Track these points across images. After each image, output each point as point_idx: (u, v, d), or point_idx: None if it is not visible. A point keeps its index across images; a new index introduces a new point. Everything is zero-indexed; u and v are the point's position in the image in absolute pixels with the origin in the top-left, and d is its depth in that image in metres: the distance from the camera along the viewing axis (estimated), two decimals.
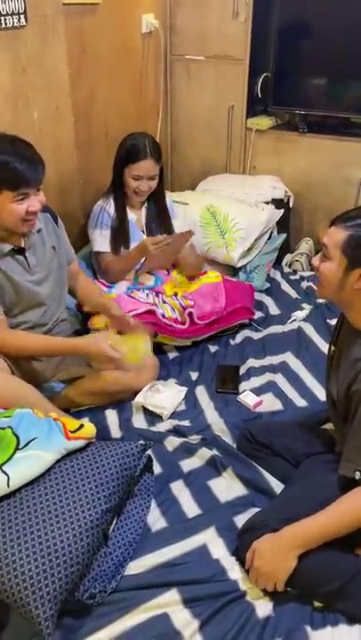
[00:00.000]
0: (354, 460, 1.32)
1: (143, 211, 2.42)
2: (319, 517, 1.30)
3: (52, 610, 1.17)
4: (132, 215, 2.37)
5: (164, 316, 2.21)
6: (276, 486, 1.62)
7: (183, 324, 2.25)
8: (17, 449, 1.37)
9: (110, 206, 2.33)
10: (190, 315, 2.26)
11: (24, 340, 1.78)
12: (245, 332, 2.41)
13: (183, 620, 1.28)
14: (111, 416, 1.89)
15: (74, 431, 1.45)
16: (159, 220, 2.44)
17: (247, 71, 2.89)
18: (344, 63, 2.82)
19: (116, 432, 1.84)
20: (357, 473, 1.30)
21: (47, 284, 1.85)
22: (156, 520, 1.53)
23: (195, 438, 1.80)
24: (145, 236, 2.38)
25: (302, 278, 2.86)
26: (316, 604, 1.33)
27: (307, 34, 2.85)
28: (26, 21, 1.85)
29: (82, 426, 1.48)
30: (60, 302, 1.95)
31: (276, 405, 1.97)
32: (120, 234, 2.33)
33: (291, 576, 1.33)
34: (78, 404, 1.91)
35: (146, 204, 2.42)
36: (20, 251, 1.75)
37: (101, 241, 2.33)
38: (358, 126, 2.94)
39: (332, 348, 1.53)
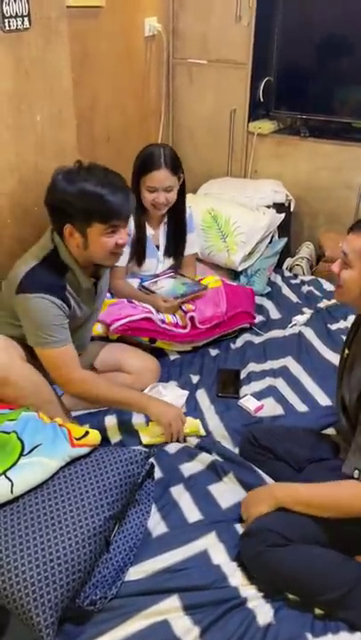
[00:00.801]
0: (355, 460, 1.33)
1: (162, 227, 2.38)
2: (304, 488, 1.39)
3: (53, 617, 1.17)
4: (149, 231, 2.34)
5: (163, 321, 2.21)
6: None
7: (184, 327, 2.25)
8: (21, 455, 1.37)
9: (130, 221, 2.29)
10: (192, 319, 2.25)
11: (92, 387, 1.70)
12: (246, 337, 2.41)
13: (184, 626, 1.28)
14: (111, 420, 1.89)
15: (79, 438, 1.45)
16: (175, 240, 2.40)
17: (249, 75, 2.89)
18: (346, 68, 2.82)
19: (115, 436, 1.83)
20: (356, 472, 1.31)
21: (95, 314, 1.87)
22: (156, 525, 1.52)
23: (195, 442, 1.79)
24: (160, 253, 2.39)
25: (303, 282, 2.86)
26: (318, 611, 1.33)
27: (309, 38, 2.86)
28: (29, 24, 1.84)
29: (87, 433, 1.47)
30: (92, 328, 1.96)
31: (277, 410, 1.97)
32: (137, 251, 2.31)
33: (292, 582, 1.33)
34: (81, 404, 1.90)
35: (165, 220, 2.38)
36: (95, 284, 1.75)
37: None
38: (360, 131, 2.94)
39: (346, 351, 1.53)
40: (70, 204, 1.53)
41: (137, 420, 1.88)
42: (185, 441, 1.80)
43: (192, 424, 1.83)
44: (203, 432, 1.84)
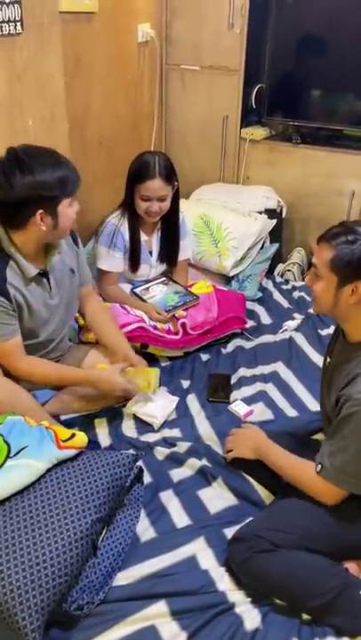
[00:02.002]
0: (320, 457, 1.39)
1: (155, 233, 2.39)
2: (278, 456, 1.52)
3: (39, 621, 1.16)
4: (143, 237, 2.34)
5: (155, 327, 2.21)
6: (267, 497, 1.62)
7: (176, 334, 2.25)
8: (7, 457, 1.36)
9: (125, 227, 2.27)
10: (183, 325, 2.26)
11: (38, 369, 1.75)
12: (237, 342, 2.41)
13: (171, 632, 1.27)
14: (101, 424, 1.88)
15: (65, 440, 1.45)
16: (168, 246, 2.41)
17: (242, 82, 2.91)
18: (338, 75, 2.85)
19: (105, 440, 1.83)
20: (318, 466, 1.39)
21: (60, 309, 1.84)
22: (145, 530, 1.52)
23: (184, 448, 1.79)
24: (153, 259, 2.39)
25: (294, 288, 2.87)
26: (305, 616, 1.33)
27: (301, 46, 2.88)
28: (22, 29, 1.85)
29: (73, 435, 1.47)
30: (67, 324, 1.93)
31: (267, 415, 1.97)
32: (131, 257, 2.32)
33: (280, 588, 1.33)
34: (70, 409, 1.90)
35: (159, 226, 2.38)
36: (43, 274, 1.74)
37: (109, 261, 2.29)
38: (351, 138, 2.97)
39: (328, 359, 1.54)
40: (39, 192, 1.55)
41: (127, 426, 1.89)
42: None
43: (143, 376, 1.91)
44: (154, 386, 1.91)
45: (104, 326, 2.02)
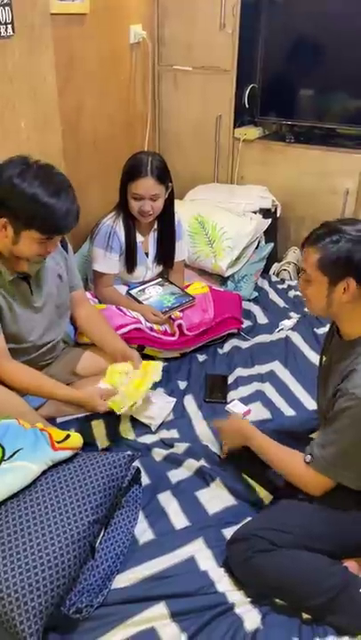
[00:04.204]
0: (310, 448, 1.40)
1: (151, 235, 2.38)
2: (262, 440, 1.54)
3: (38, 625, 1.15)
4: (139, 238, 2.33)
5: (152, 329, 2.21)
6: (265, 497, 1.61)
7: (173, 335, 2.25)
8: (2, 460, 1.36)
9: (120, 229, 2.26)
10: (180, 326, 2.25)
11: (22, 377, 1.70)
12: (233, 342, 2.41)
13: (171, 634, 1.27)
14: (98, 426, 1.88)
15: (60, 441, 1.44)
16: (164, 248, 2.40)
17: (234, 82, 2.91)
18: (330, 74, 2.85)
19: (103, 442, 1.82)
20: (308, 457, 1.40)
21: (46, 312, 1.81)
22: (143, 531, 1.51)
23: (182, 449, 1.79)
24: (149, 260, 2.38)
25: (290, 287, 2.87)
26: (305, 616, 1.32)
27: (293, 45, 2.88)
28: (13, 31, 1.84)
29: (68, 436, 1.47)
30: (59, 329, 1.90)
31: (265, 414, 1.97)
32: (127, 258, 2.31)
33: (279, 588, 1.33)
34: (65, 411, 1.89)
35: (155, 227, 2.37)
36: (24, 278, 1.71)
37: (105, 263, 2.28)
38: (345, 137, 2.97)
39: (323, 357, 1.54)
40: (17, 203, 1.48)
41: (124, 428, 1.88)
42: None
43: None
44: (126, 405, 1.78)
45: (98, 331, 2.00)
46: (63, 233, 1.59)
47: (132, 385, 1.84)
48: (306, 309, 2.57)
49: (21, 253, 1.60)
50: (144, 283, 2.43)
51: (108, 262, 2.28)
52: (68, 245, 1.90)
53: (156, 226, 2.37)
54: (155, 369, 1.93)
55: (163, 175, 2.21)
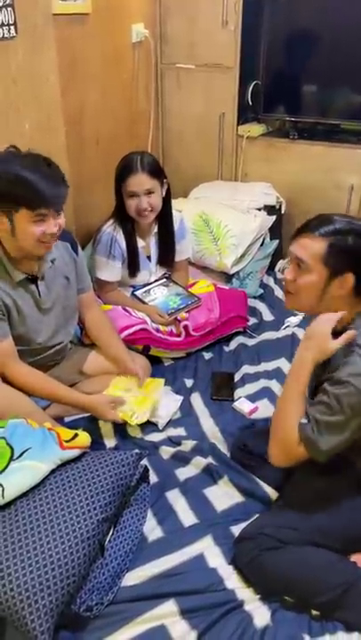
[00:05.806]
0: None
1: (152, 238, 2.36)
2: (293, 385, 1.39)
3: (49, 623, 1.16)
4: (140, 242, 2.32)
5: (158, 330, 2.21)
6: (273, 494, 1.62)
7: (178, 336, 2.25)
8: (11, 459, 1.36)
9: (120, 235, 2.24)
10: (185, 327, 2.25)
11: (31, 381, 1.71)
12: (239, 339, 2.41)
13: (181, 631, 1.27)
14: (105, 425, 1.88)
15: (68, 440, 1.45)
16: (166, 249, 2.39)
17: (237, 79, 2.90)
18: (334, 70, 2.84)
19: (110, 441, 1.83)
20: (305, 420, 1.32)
21: (53, 314, 1.81)
22: (152, 529, 1.52)
23: (190, 446, 1.79)
24: (152, 264, 2.38)
25: None
26: (315, 612, 1.32)
27: (296, 41, 2.87)
28: (16, 32, 1.85)
29: (76, 435, 1.47)
30: (67, 331, 1.91)
31: (272, 412, 1.95)
32: (130, 265, 2.30)
33: (288, 586, 1.33)
34: (72, 411, 1.90)
35: (155, 229, 2.36)
36: (32, 279, 1.71)
37: (108, 271, 2.27)
38: (348, 132, 2.96)
39: None
40: (2, 187, 1.49)
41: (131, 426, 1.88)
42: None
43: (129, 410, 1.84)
44: (136, 419, 1.81)
45: (103, 337, 2.01)
46: (50, 205, 1.54)
47: (135, 402, 1.87)
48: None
49: (24, 243, 1.58)
50: (149, 284, 2.42)
51: (112, 270, 2.27)
52: (78, 247, 1.90)
53: (156, 229, 2.36)
54: (156, 388, 1.94)
55: (155, 170, 2.19)
